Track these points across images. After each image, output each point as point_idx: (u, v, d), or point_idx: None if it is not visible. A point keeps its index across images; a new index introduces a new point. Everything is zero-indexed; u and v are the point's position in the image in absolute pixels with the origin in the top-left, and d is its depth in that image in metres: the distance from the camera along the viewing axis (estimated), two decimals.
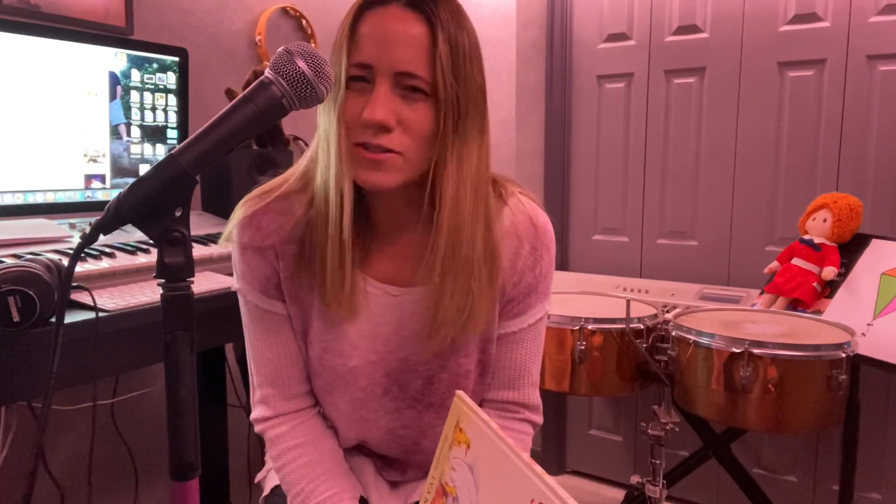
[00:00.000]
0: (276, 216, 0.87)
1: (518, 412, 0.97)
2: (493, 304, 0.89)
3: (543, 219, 0.92)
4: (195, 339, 0.65)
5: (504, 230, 0.88)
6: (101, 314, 1.03)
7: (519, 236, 0.89)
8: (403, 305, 0.89)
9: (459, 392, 0.73)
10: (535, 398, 0.98)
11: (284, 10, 2.07)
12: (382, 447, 0.97)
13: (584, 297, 1.93)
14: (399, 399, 0.92)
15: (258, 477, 1.07)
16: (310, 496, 0.89)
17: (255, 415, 0.94)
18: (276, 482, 0.99)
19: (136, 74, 1.51)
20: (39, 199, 1.39)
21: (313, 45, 2.14)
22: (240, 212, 0.88)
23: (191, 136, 0.65)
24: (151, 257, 1.27)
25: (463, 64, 0.79)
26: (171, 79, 1.59)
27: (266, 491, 1.02)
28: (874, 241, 1.72)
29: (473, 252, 0.83)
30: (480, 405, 0.99)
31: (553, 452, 2.48)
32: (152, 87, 1.55)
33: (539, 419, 0.99)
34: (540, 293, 0.93)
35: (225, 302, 1.22)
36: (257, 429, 0.94)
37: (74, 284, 1.07)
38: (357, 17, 0.79)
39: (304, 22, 2.12)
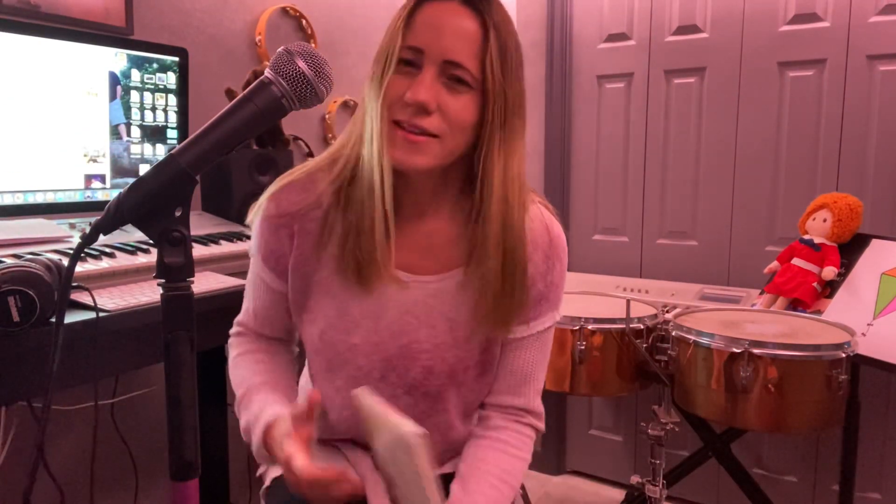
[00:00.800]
0: (298, 192, 0.91)
1: (521, 416, 0.98)
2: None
3: (558, 230, 0.96)
4: (195, 339, 0.65)
5: (530, 236, 0.92)
6: (101, 314, 1.04)
7: (534, 243, 0.92)
8: (411, 292, 0.91)
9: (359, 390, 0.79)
10: (539, 405, 0.99)
11: (284, 10, 2.07)
12: None
13: (584, 297, 1.93)
14: (395, 385, 0.93)
15: (260, 470, 1.07)
16: (256, 388, 0.93)
17: (231, 331, 1.03)
18: (277, 473, 0.98)
19: (136, 74, 1.51)
20: (39, 199, 1.39)
21: (313, 45, 2.14)
22: (271, 188, 0.93)
23: (191, 136, 0.65)
24: (151, 257, 1.27)
25: (511, 64, 0.85)
26: (171, 79, 1.59)
27: (267, 482, 1.02)
28: (874, 241, 1.72)
29: (518, 248, 0.88)
30: (482, 407, 1.00)
31: (553, 452, 2.48)
32: (152, 87, 1.55)
33: (541, 426, 1.00)
34: (551, 302, 0.96)
35: (225, 302, 1.22)
36: (231, 338, 1.02)
37: (74, 284, 1.07)
38: (417, 5, 0.84)
39: (304, 22, 2.12)
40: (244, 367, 0.98)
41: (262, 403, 0.90)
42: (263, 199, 0.93)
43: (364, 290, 0.89)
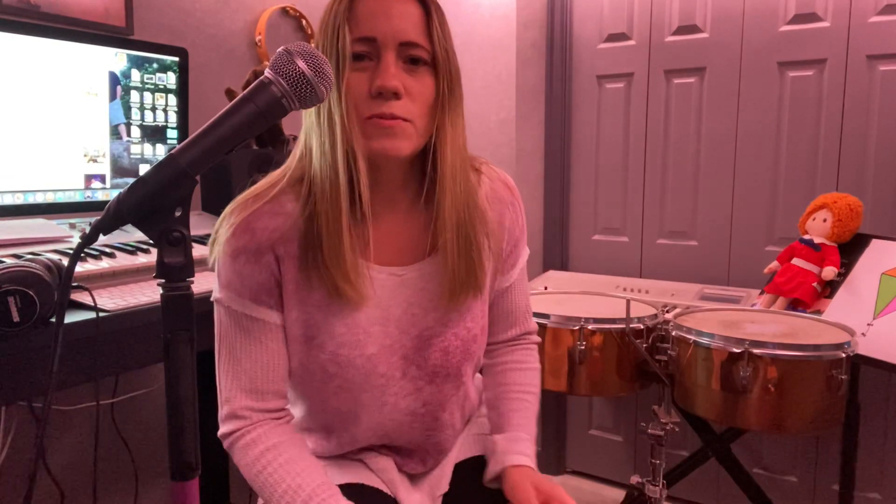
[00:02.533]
0: (270, 218, 0.86)
1: (522, 341, 1.09)
2: (490, 264, 0.97)
3: (511, 181, 1.03)
4: (195, 339, 0.65)
5: (488, 197, 0.97)
6: (101, 314, 1.04)
7: (501, 199, 0.99)
8: (409, 283, 0.92)
9: None
10: (532, 323, 1.10)
11: (284, 10, 2.07)
12: (403, 432, 0.97)
13: (584, 297, 1.93)
14: (418, 378, 0.94)
15: None
16: (300, 488, 0.84)
17: (224, 429, 0.88)
18: None
19: (136, 74, 1.52)
20: (39, 199, 1.39)
21: (313, 45, 2.14)
22: (229, 221, 0.85)
23: (191, 136, 0.65)
24: (151, 257, 1.27)
25: (448, 33, 0.87)
26: (171, 79, 1.59)
27: None
28: (874, 241, 1.72)
29: (474, 213, 0.91)
30: (486, 354, 1.08)
31: (553, 452, 2.48)
32: (152, 87, 1.55)
33: (538, 338, 1.12)
34: (523, 241, 1.05)
35: None
36: (227, 443, 0.89)
37: (74, 284, 1.07)
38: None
39: (304, 22, 2.12)
40: (280, 473, 0.86)
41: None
42: (226, 236, 0.84)
43: (361, 298, 0.87)
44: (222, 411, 0.89)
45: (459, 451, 1.05)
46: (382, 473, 0.98)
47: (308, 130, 0.87)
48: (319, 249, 0.84)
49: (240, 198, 0.88)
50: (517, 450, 0.96)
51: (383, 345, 0.91)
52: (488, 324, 1.02)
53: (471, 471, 1.02)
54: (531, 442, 0.99)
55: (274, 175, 0.90)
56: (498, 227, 0.98)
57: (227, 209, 0.87)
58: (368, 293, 0.88)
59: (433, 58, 0.85)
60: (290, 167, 0.89)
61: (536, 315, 1.55)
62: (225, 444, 0.90)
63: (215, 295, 0.88)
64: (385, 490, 0.96)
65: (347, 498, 0.85)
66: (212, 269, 0.88)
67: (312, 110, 0.85)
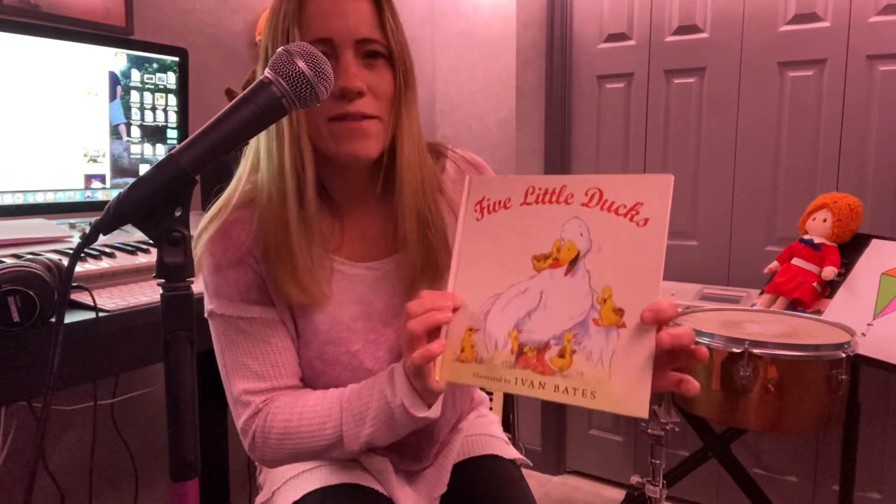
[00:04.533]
0: (241, 225, 0.86)
1: None
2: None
3: (479, 159, 1.01)
4: (195, 339, 0.65)
5: (453, 179, 0.95)
6: (101, 314, 1.04)
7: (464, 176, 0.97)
8: (388, 276, 0.91)
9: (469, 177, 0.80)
10: None
11: None
12: None
13: None
14: None
15: (260, 478, 1.06)
16: (349, 390, 0.84)
17: (243, 419, 0.86)
18: (315, 486, 0.95)
19: (136, 74, 1.51)
20: (39, 199, 1.39)
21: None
22: (203, 237, 0.86)
23: (191, 136, 0.65)
24: (151, 257, 1.27)
25: (400, 24, 0.86)
26: (171, 79, 1.59)
27: (268, 494, 0.99)
28: (874, 241, 1.72)
29: (434, 199, 0.89)
30: None
31: (553, 452, 2.48)
32: (152, 87, 1.55)
33: None
34: None
35: None
36: (249, 432, 0.86)
37: (74, 284, 1.07)
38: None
39: None
40: (307, 414, 0.84)
41: (363, 388, 0.84)
42: (204, 251, 0.86)
43: (314, 301, 0.86)
44: (240, 420, 0.86)
45: (459, 451, 1.04)
46: (379, 474, 0.97)
47: (253, 144, 0.87)
48: (280, 257, 0.83)
49: (204, 219, 0.88)
50: None
51: (368, 340, 0.90)
52: None
53: (470, 472, 1.01)
54: None
55: (229, 189, 0.90)
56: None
57: (196, 233, 0.86)
58: (322, 295, 0.86)
59: (389, 51, 0.84)
60: (244, 177, 0.88)
61: None
62: (247, 438, 0.86)
63: (207, 308, 0.87)
64: (381, 491, 0.95)
65: (343, 499, 0.86)
66: (199, 291, 0.86)
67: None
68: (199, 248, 0.86)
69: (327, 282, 0.88)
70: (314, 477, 0.95)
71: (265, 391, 0.86)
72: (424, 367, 0.74)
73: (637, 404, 0.65)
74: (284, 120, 0.80)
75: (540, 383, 0.70)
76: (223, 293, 0.86)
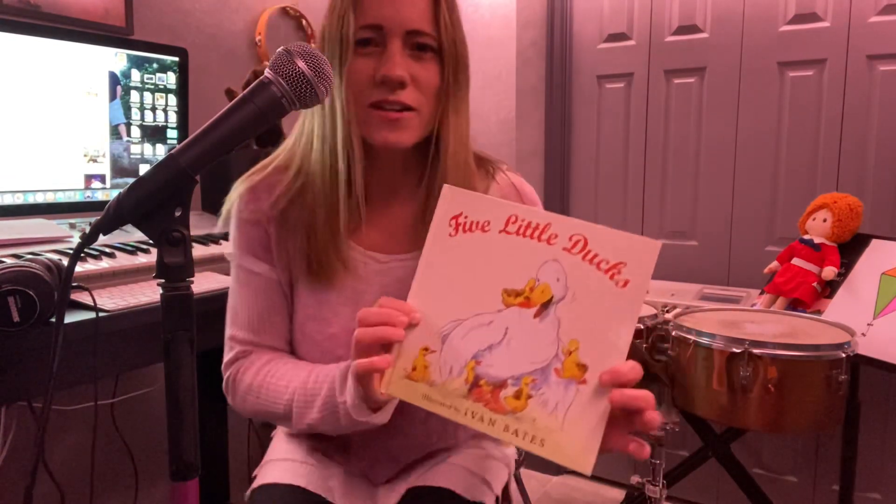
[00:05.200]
0: (266, 188, 0.90)
1: None
2: None
3: (529, 189, 0.99)
4: (195, 339, 0.65)
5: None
6: (101, 314, 1.04)
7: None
8: (391, 272, 0.91)
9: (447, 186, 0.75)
10: None
11: (284, 10, 2.07)
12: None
13: None
14: None
15: (256, 472, 1.06)
16: (316, 370, 0.86)
17: (224, 360, 0.93)
18: (269, 480, 0.96)
19: (136, 74, 1.52)
20: (39, 199, 1.39)
21: (313, 45, 2.14)
22: (238, 188, 0.92)
23: (191, 136, 0.65)
24: (151, 257, 1.27)
25: (457, 20, 0.86)
26: (171, 79, 1.59)
27: (255, 484, 0.99)
28: (874, 241, 1.72)
29: None
30: None
31: None
32: (152, 87, 1.55)
33: None
34: None
35: (225, 302, 1.22)
36: (225, 376, 0.92)
37: (74, 284, 1.07)
38: None
39: (304, 22, 2.12)
40: (272, 379, 0.88)
41: (323, 372, 0.84)
42: (234, 200, 0.92)
43: (333, 280, 0.88)
44: (223, 360, 0.93)
45: (419, 477, 0.94)
46: (329, 479, 0.94)
47: (307, 113, 0.88)
48: (299, 229, 0.87)
49: (250, 171, 0.94)
50: None
51: (347, 328, 0.87)
52: None
53: (426, 501, 0.91)
54: None
55: (278, 150, 0.94)
56: None
57: (239, 180, 0.93)
58: (341, 273, 0.88)
59: (439, 46, 0.83)
60: (290, 144, 0.92)
61: None
62: (226, 374, 0.92)
63: (228, 252, 0.96)
64: (325, 497, 0.92)
65: (283, 499, 0.88)
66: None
67: None
68: (231, 196, 0.92)
69: (343, 265, 0.88)
70: (275, 470, 0.97)
71: (248, 343, 0.92)
72: (368, 376, 0.73)
73: (584, 461, 0.65)
74: (337, 105, 0.82)
75: (490, 420, 0.69)
76: (237, 242, 0.92)
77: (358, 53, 0.82)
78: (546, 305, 0.68)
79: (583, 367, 0.66)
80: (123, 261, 1.23)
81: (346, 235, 0.87)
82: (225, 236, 1.49)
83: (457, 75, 0.86)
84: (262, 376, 0.89)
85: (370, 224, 0.91)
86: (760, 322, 1.63)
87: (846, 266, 1.71)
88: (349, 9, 0.81)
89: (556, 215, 0.69)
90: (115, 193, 0.67)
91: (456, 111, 0.87)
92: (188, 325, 0.64)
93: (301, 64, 0.67)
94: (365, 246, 0.91)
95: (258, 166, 0.94)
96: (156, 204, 0.62)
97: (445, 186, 0.75)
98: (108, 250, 1.26)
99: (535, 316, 0.68)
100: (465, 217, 0.73)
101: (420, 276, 0.74)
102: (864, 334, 1.54)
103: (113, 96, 1.48)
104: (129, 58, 1.50)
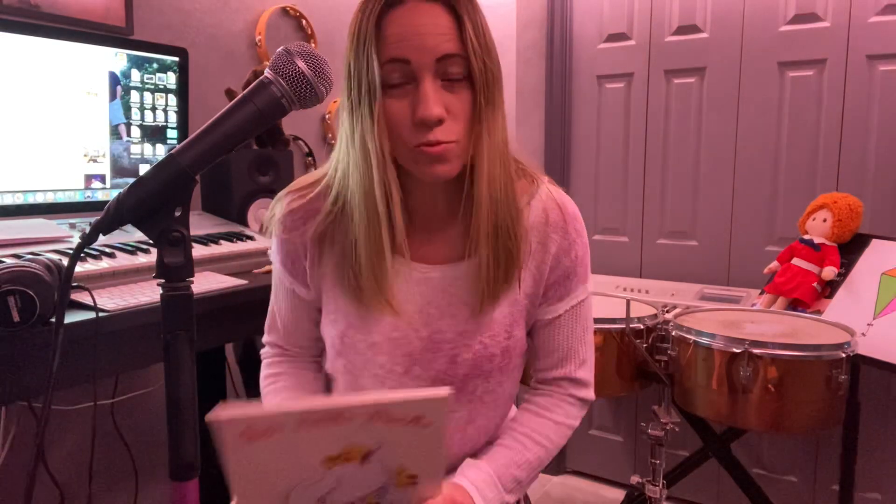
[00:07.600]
0: (309, 214, 0.92)
1: (558, 388, 1.00)
2: (519, 278, 0.92)
3: (572, 207, 0.97)
4: (195, 339, 0.65)
5: (537, 218, 0.93)
6: (101, 314, 1.04)
7: (550, 223, 0.93)
8: (431, 282, 0.91)
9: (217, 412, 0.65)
10: (583, 374, 1.00)
11: (284, 10, 2.07)
12: None
13: None
14: (420, 379, 0.92)
15: None
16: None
17: (262, 356, 1.04)
18: None
19: (136, 74, 1.51)
20: (39, 199, 1.39)
21: (313, 45, 2.14)
22: (279, 206, 0.95)
23: (191, 136, 0.65)
24: (151, 257, 1.27)
25: (486, 38, 0.83)
26: (171, 79, 1.59)
27: None
28: (874, 241, 1.72)
29: (511, 221, 0.88)
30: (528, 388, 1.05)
31: None
32: (152, 87, 1.55)
33: (589, 395, 1.01)
34: (580, 276, 0.97)
35: (225, 302, 1.22)
36: (263, 351, 1.04)
37: (74, 284, 1.07)
38: (379, 17, 0.79)
39: (304, 22, 2.12)
40: (270, 394, 1.01)
41: None
42: (276, 221, 0.95)
43: (384, 302, 0.89)
44: (267, 328, 1.04)
45: None
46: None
47: (339, 147, 0.87)
48: (354, 248, 0.87)
49: (292, 186, 0.96)
50: (465, 473, 0.91)
51: (390, 337, 0.91)
52: (530, 355, 1.00)
53: None
54: (493, 482, 0.91)
55: (319, 172, 0.95)
56: (543, 251, 0.93)
57: (281, 194, 0.96)
58: (382, 302, 0.89)
59: (469, 68, 0.81)
60: (328, 172, 0.92)
61: None
62: (263, 352, 1.05)
63: (271, 256, 1.00)
64: None
65: None
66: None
67: (345, 131, 0.84)
68: (274, 210, 0.95)
69: (389, 287, 0.88)
70: None
71: (278, 347, 1.03)
72: None
73: None
74: (370, 147, 0.81)
75: None
76: (276, 255, 0.97)
77: (390, 95, 0.80)
78: (367, 456, 0.72)
79: (413, 477, 0.75)
80: (123, 261, 1.23)
81: (388, 253, 0.87)
82: (226, 236, 1.49)
83: (489, 97, 0.83)
84: (271, 391, 1.00)
85: (411, 237, 0.90)
86: (760, 322, 1.63)
87: (846, 266, 1.71)
88: (371, 47, 0.78)
89: (347, 403, 0.69)
90: (115, 193, 0.67)
91: (489, 131, 0.84)
92: (188, 326, 0.64)
93: (301, 64, 0.67)
94: (407, 257, 0.90)
95: (302, 184, 0.95)
96: (156, 204, 0.63)
97: (216, 421, 0.63)
98: (108, 250, 1.26)
99: (360, 464, 0.73)
100: (253, 431, 0.66)
101: (236, 487, 0.68)
102: (864, 334, 1.54)
103: (113, 96, 1.48)
104: (129, 58, 1.50)
